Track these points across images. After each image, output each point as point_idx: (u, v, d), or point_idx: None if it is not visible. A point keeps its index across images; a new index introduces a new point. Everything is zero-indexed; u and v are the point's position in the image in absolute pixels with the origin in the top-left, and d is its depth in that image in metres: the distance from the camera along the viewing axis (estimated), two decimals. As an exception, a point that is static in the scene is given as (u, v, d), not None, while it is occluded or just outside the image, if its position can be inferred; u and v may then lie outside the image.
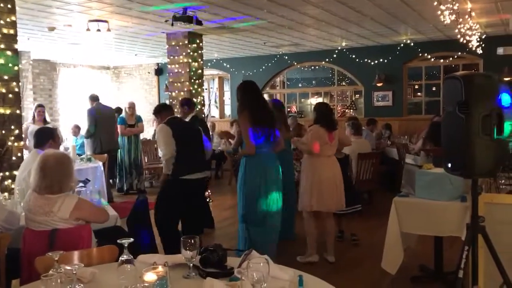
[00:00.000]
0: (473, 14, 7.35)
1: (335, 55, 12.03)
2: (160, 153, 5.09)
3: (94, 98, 8.67)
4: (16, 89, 5.78)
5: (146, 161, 10.21)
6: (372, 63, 11.68)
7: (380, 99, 11.88)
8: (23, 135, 6.41)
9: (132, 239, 2.29)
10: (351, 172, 6.82)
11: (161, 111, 5.22)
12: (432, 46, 11.01)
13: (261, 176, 4.57)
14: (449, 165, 3.07)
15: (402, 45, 11.16)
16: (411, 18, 8.26)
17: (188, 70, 9.19)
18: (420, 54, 11.25)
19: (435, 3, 5.18)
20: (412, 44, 10.97)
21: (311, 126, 5.32)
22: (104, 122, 8.42)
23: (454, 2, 5.11)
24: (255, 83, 4.95)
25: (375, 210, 7.08)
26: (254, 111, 4.57)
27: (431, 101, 11.87)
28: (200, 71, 9.52)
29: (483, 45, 8.75)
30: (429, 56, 11.28)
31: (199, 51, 9.46)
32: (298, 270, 2.31)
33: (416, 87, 13.10)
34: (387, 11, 7.65)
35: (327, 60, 12.35)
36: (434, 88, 11.93)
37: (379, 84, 11.70)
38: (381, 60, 11.58)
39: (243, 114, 4.60)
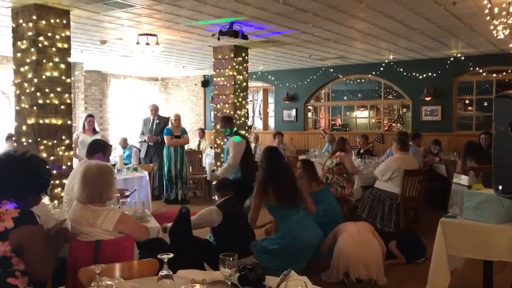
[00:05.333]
0: (528, 27, 7.06)
1: (382, 68, 11.84)
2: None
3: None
4: (68, 101, 6.01)
5: (190, 171, 10.37)
6: (421, 76, 11.40)
7: (428, 113, 11.56)
8: (73, 145, 6.66)
9: (172, 255, 2.31)
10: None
11: (223, 189, 5.20)
12: (484, 60, 10.63)
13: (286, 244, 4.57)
14: (500, 187, 2.94)
15: (452, 58, 10.84)
16: (462, 32, 8.01)
17: (233, 83, 9.28)
18: (471, 68, 10.88)
19: (488, 18, 5.00)
20: (462, 58, 10.64)
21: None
22: None
23: (508, 16, 4.92)
24: (277, 150, 5.06)
25: (421, 229, 6.86)
26: (274, 188, 4.57)
27: (483, 116, 11.45)
28: (245, 84, 9.59)
29: (539, 60, 8.38)
30: (480, 70, 10.88)
31: (244, 64, 9.54)
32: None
33: (467, 101, 12.66)
34: (437, 25, 7.46)
35: (373, 73, 12.16)
36: (485, 103, 11.47)
37: (427, 98, 11.38)
38: (429, 73, 11.28)
39: (260, 187, 4.63)
